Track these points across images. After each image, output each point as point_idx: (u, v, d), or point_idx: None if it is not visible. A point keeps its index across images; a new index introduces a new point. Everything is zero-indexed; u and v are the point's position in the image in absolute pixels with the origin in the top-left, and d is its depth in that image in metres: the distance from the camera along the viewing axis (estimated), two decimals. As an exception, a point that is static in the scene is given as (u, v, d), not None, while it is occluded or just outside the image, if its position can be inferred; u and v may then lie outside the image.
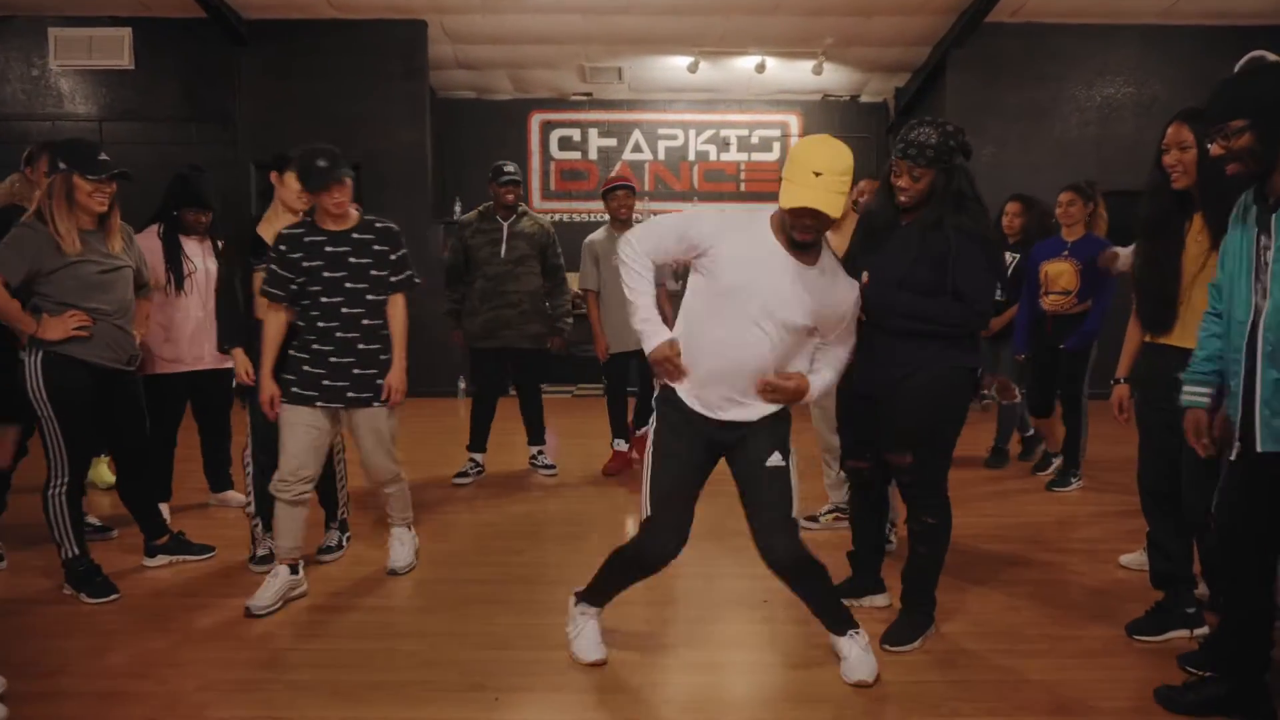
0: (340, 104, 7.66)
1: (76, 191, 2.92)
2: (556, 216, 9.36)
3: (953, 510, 2.73)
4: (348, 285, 3.02)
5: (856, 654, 2.49)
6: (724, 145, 9.31)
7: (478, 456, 4.80)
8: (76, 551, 3.07)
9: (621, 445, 5.08)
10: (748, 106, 9.29)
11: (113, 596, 3.04)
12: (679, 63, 8.33)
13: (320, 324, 3.02)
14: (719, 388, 2.40)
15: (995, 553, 3.60)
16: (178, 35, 7.55)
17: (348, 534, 3.65)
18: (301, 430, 3.00)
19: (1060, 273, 4.40)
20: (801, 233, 2.30)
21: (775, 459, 2.43)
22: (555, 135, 9.29)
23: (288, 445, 3.01)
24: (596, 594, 2.64)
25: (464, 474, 4.72)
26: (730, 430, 2.45)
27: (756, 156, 9.33)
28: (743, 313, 2.34)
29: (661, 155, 9.26)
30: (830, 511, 3.89)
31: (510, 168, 4.69)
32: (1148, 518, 2.82)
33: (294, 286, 3.00)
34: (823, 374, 2.51)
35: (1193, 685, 2.34)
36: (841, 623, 2.53)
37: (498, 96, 9.25)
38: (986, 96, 7.86)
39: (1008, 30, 7.71)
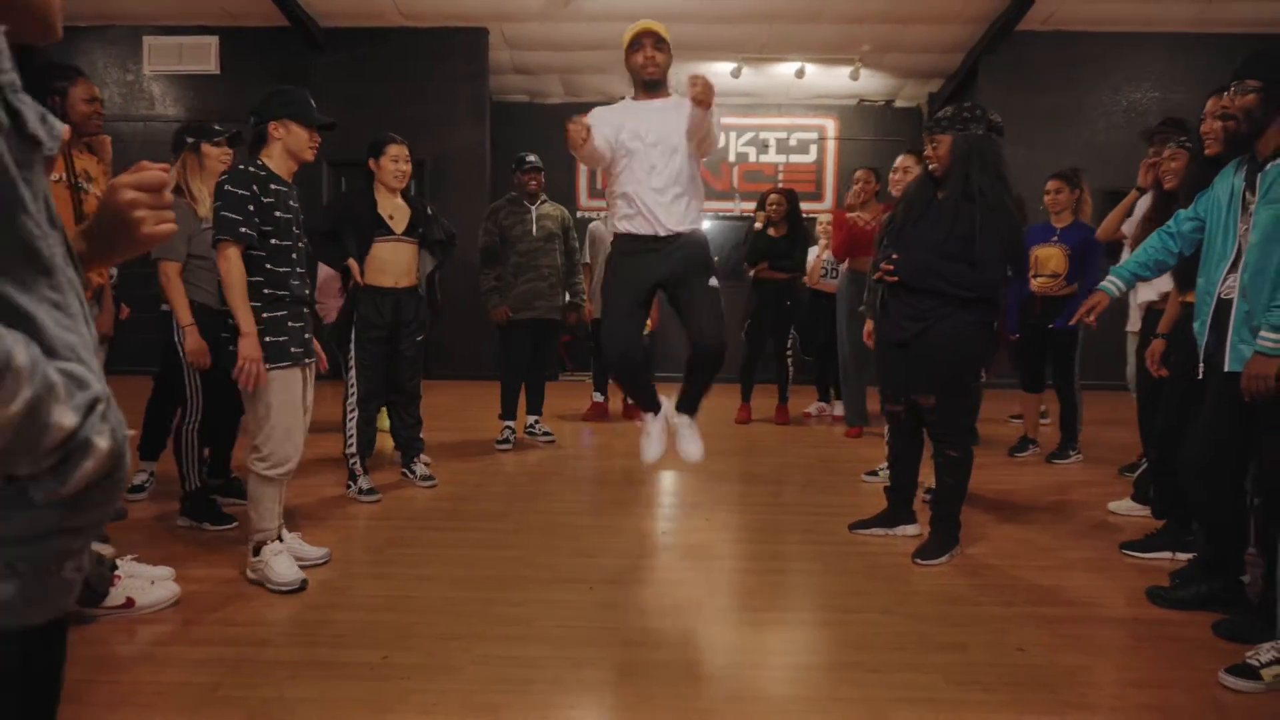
0: (407, 106, 8.25)
1: (205, 159, 3.53)
2: (604, 215, 9.89)
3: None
4: (301, 244, 2.97)
5: (689, 438, 3.44)
6: (763, 147, 9.77)
7: (512, 424, 5.25)
8: (199, 485, 3.52)
9: (599, 397, 6.33)
10: (786, 110, 9.75)
11: (233, 524, 3.43)
12: (722, 68, 8.81)
13: (294, 281, 2.89)
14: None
15: (1006, 502, 4.03)
16: (260, 42, 8.18)
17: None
18: (299, 401, 2.87)
19: (1049, 256, 4.76)
20: (649, 68, 3.22)
21: (713, 282, 3.29)
22: (603, 137, 9.79)
23: (295, 422, 2.83)
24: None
25: (505, 440, 5.17)
26: (671, 251, 3.23)
27: (795, 158, 9.79)
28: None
29: (703, 156, 9.73)
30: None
31: (531, 157, 5.20)
32: (1160, 457, 3.22)
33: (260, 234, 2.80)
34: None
35: (1179, 585, 2.75)
36: (690, 407, 3.46)
37: (549, 100, 9.80)
38: (1017, 101, 8.24)
39: (1038, 38, 8.11)
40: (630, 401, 6.07)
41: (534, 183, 5.16)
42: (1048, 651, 2.39)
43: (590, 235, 6.33)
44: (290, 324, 2.85)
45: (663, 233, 3.24)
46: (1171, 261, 2.85)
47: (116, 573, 2.58)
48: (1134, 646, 2.44)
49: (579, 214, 9.37)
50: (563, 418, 6.31)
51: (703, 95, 2.97)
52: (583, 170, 9.78)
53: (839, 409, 6.27)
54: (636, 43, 3.24)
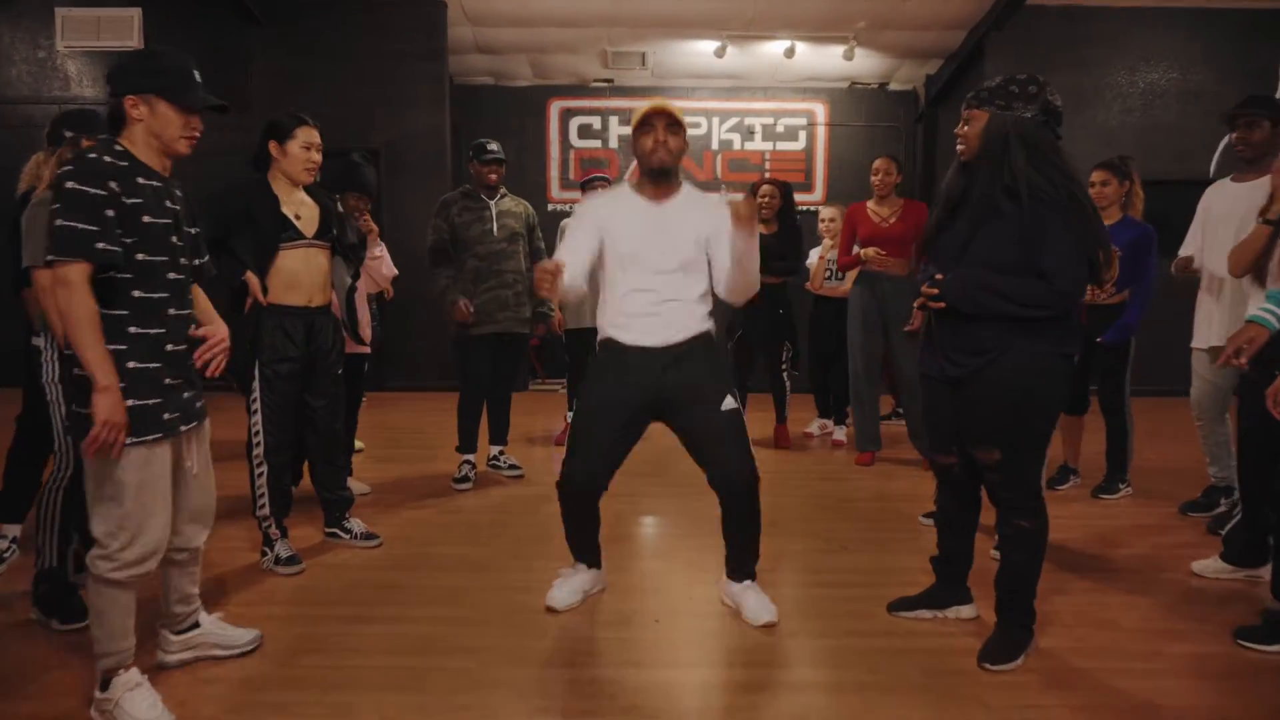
0: (358, 87, 7.44)
1: None
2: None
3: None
4: (182, 261, 2.17)
5: (755, 600, 2.75)
6: (749, 134, 9.04)
7: (471, 458, 4.48)
8: (56, 563, 2.70)
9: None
10: (773, 94, 9.01)
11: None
12: (705, 47, 8.07)
13: (172, 311, 2.13)
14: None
15: (1063, 558, 3.35)
16: (189, 16, 7.29)
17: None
18: (167, 480, 2.12)
19: None
20: (659, 153, 2.65)
21: (728, 403, 2.69)
22: (575, 123, 9.01)
23: (160, 507, 2.08)
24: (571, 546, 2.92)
25: (465, 478, 4.40)
26: (672, 370, 2.67)
27: (782, 145, 9.06)
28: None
29: (684, 144, 9.00)
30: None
31: (493, 146, 4.42)
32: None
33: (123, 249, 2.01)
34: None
35: (1348, 713, 2.09)
36: (745, 570, 2.82)
37: (517, 83, 8.97)
38: (1025, 82, 7.58)
39: (1049, 13, 7.46)
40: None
41: (494, 175, 4.40)
42: (1210, 842, 1.71)
43: (561, 234, 5.55)
44: (167, 380, 2.10)
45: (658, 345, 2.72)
46: None
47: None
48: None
49: (550, 207, 8.60)
50: (532, 440, 5.58)
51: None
52: (554, 159, 9.00)
53: (840, 433, 5.58)
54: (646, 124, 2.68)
